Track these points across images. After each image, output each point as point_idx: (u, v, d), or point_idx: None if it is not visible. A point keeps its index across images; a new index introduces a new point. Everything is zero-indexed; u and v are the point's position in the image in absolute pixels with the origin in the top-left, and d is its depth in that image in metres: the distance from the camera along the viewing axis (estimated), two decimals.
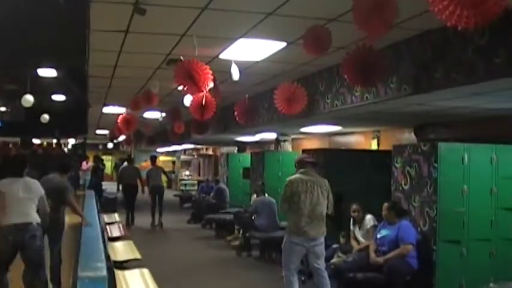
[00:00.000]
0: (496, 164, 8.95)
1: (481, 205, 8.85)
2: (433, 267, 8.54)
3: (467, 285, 8.58)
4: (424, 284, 8.55)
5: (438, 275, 8.54)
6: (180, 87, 8.37)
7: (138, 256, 9.88)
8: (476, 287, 7.49)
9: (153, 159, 20.64)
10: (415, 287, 8.57)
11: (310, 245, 8.17)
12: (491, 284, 7.66)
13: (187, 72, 7.99)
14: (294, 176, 8.39)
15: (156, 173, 19.84)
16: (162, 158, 39.66)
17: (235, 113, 12.24)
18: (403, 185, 9.25)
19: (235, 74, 8.93)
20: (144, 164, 36.61)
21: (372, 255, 8.70)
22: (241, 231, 14.08)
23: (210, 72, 8.06)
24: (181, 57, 8.43)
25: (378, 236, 8.93)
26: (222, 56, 9.15)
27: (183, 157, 42.75)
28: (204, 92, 8.77)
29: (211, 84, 8.31)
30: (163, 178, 20.24)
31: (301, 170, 8.42)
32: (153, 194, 19.30)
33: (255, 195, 14.26)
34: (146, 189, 19.77)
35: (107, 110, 18.53)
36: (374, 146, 15.48)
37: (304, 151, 13.22)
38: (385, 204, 8.94)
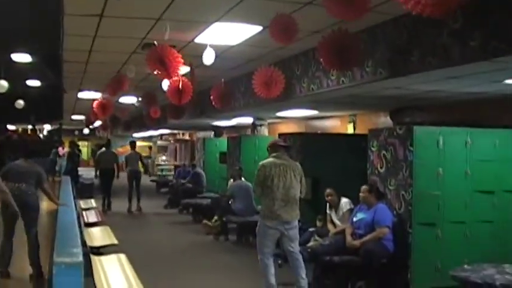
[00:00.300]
0: (470, 147, 9.01)
1: (456, 188, 8.92)
2: (409, 250, 8.60)
3: (442, 266, 8.64)
4: (400, 266, 8.62)
5: (414, 257, 8.60)
6: (152, 72, 8.37)
7: (115, 241, 9.85)
8: (451, 269, 7.54)
9: (133, 144, 20.72)
10: (391, 269, 8.63)
11: (285, 228, 8.19)
12: (465, 266, 7.74)
13: (159, 58, 8.00)
14: (266, 160, 8.38)
15: (135, 158, 19.88)
16: (138, 143, 39.49)
17: (211, 97, 12.23)
18: (379, 169, 9.29)
19: (207, 59, 8.89)
20: (121, 150, 36.53)
21: (348, 238, 8.74)
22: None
23: (181, 59, 8.06)
24: (155, 42, 8.40)
25: (354, 219, 8.97)
26: (197, 40, 9.11)
27: (159, 142, 42.68)
28: (174, 78, 8.76)
29: (182, 71, 8.31)
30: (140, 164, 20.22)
31: (273, 154, 8.41)
32: (131, 178, 19.37)
33: (231, 180, 14.29)
34: (121, 174, 19.79)
35: (82, 95, 18.41)
36: (350, 130, 15.53)
37: (280, 135, 13.24)
38: (364, 187, 8.96)
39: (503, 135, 9.30)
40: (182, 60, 8.14)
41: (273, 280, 8.21)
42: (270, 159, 8.35)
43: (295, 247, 8.29)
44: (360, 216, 8.88)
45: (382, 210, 8.70)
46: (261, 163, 8.39)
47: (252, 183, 11.80)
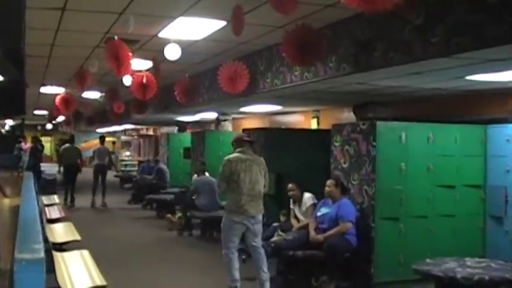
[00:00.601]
0: (432, 142, 9.11)
1: (418, 183, 9.01)
2: (372, 244, 8.66)
3: (405, 261, 8.73)
4: (363, 261, 8.68)
5: (377, 251, 8.68)
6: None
7: (78, 237, 9.77)
8: (414, 262, 7.62)
9: (102, 138, 20.93)
10: (354, 263, 8.70)
11: (250, 223, 8.20)
12: (427, 259, 7.83)
13: (115, 53, 8.01)
14: (232, 155, 8.38)
15: (104, 152, 20.05)
16: None
17: (176, 92, 12.19)
18: (342, 164, 9.34)
19: (171, 54, 8.86)
20: (84, 145, 36.28)
21: (312, 232, 8.78)
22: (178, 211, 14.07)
23: (132, 57, 8.11)
24: (116, 37, 8.35)
25: (318, 214, 9.01)
26: (161, 34, 9.07)
27: (123, 137, 42.47)
28: (125, 75, 8.75)
29: (142, 66, 8.30)
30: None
31: (239, 149, 8.41)
32: (97, 173, 19.45)
33: (195, 175, 14.27)
34: (84, 169, 19.82)
35: (45, 90, 18.24)
36: (314, 125, 15.61)
37: (244, 130, 13.24)
38: (330, 181, 8.97)
39: (464, 130, 9.42)
40: (132, 58, 8.15)
41: (237, 275, 8.23)
42: (236, 154, 8.35)
43: (258, 241, 8.31)
44: (323, 211, 8.92)
45: (346, 205, 8.75)
46: (226, 158, 8.38)
47: (217, 178, 11.81)
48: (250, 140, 8.72)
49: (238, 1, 6.85)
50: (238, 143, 8.52)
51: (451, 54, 6.38)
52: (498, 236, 9.21)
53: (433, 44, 6.38)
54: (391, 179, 8.81)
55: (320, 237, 8.56)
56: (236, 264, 8.27)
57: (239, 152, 8.37)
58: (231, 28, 6.99)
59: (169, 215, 14.15)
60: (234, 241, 8.26)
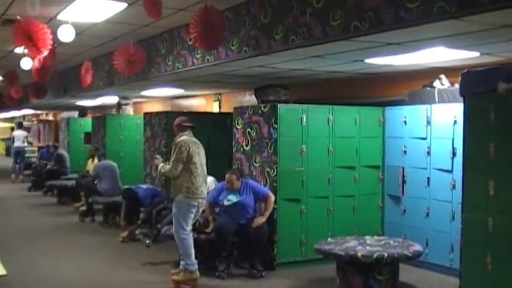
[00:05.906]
0: (332, 124, 9.26)
1: (319, 164, 9.16)
2: (275, 225, 8.76)
3: (307, 240, 8.89)
4: (266, 242, 8.74)
5: (279, 232, 8.78)
6: (20, 49, 8.09)
7: None
8: (315, 242, 7.78)
9: (20, 124, 23.34)
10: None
11: (200, 204, 8.17)
12: (328, 239, 8.00)
13: (26, 33, 7.75)
14: (184, 138, 8.16)
15: (21, 135, 22.33)
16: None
17: (116, 62, 11.83)
18: (244, 146, 9.40)
19: (65, 36, 8.65)
20: None
21: (210, 217, 8.76)
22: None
23: (49, 32, 7.84)
24: (18, 17, 8.12)
25: (226, 202, 8.81)
26: (60, 16, 8.88)
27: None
28: (45, 53, 8.49)
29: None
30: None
31: (186, 133, 8.28)
32: (16, 154, 21.90)
33: (90, 160, 14.12)
34: None
35: None
36: (216, 108, 15.65)
37: (146, 114, 13.15)
38: (232, 176, 8.73)
39: (363, 112, 9.60)
40: (49, 32, 7.91)
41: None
42: (187, 137, 8.21)
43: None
44: (233, 198, 8.74)
45: (255, 183, 8.78)
46: (180, 140, 8.09)
47: (118, 163, 11.67)
48: (191, 125, 8.55)
49: None
50: (180, 127, 8.37)
51: (350, 37, 6.51)
52: (396, 215, 9.47)
53: (333, 27, 6.50)
54: (292, 161, 8.92)
55: (263, 219, 8.51)
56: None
57: (188, 135, 8.26)
58: (145, 12, 6.93)
59: (76, 204, 13.85)
60: (190, 224, 8.14)
